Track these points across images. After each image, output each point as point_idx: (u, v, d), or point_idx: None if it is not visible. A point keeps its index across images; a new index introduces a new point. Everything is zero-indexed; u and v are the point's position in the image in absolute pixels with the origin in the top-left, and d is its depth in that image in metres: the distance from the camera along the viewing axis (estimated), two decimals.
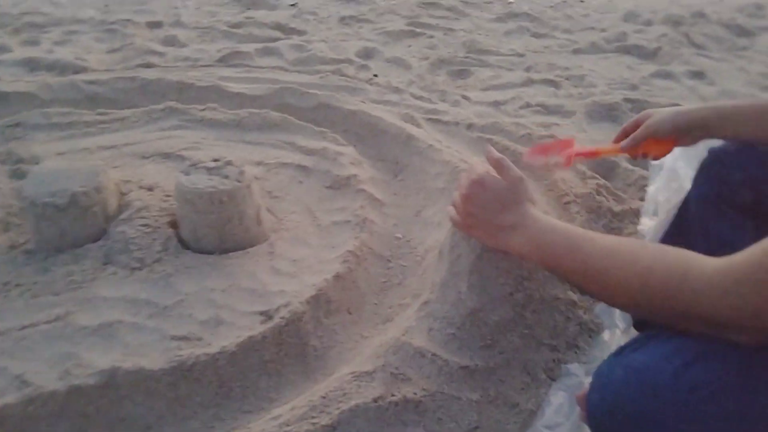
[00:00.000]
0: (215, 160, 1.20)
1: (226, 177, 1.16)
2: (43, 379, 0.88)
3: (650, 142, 1.11)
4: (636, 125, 1.10)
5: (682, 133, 1.04)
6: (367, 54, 2.32)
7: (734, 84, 1.97)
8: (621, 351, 0.72)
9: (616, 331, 0.98)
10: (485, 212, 0.89)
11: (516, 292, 0.97)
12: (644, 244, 0.76)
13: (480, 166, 0.94)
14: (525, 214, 0.85)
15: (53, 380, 0.87)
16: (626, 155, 1.26)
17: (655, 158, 1.14)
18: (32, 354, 0.93)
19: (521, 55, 2.27)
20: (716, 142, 1.36)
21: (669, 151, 1.13)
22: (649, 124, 1.06)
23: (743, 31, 2.47)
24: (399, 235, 1.30)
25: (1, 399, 0.84)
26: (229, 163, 1.19)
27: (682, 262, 0.66)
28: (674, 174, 1.28)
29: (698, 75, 2.02)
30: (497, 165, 0.91)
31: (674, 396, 0.63)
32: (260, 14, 2.87)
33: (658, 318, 0.70)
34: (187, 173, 1.16)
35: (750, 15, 2.68)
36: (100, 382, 0.87)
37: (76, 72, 2.05)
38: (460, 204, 0.93)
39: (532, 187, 0.94)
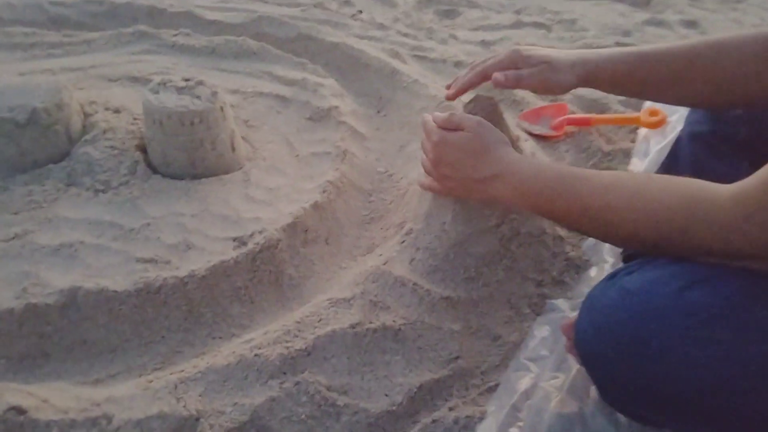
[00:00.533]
0: (186, 80, 1.12)
1: (198, 97, 1.08)
2: None
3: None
4: (510, 62, 0.89)
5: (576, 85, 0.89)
6: None
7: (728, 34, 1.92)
8: (614, 275, 0.69)
9: (605, 267, 0.94)
10: (459, 170, 0.83)
11: (501, 224, 0.93)
12: (649, 176, 0.71)
13: (432, 124, 0.87)
14: (503, 161, 0.79)
15: (9, 299, 0.82)
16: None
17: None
18: None
19: None
20: None
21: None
22: (548, 78, 0.87)
23: None
24: (381, 169, 1.24)
25: None
26: (200, 83, 1.12)
27: (693, 191, 0.62)
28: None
29: (692, 24, 1.97)
30: (449, 121, 0.85)
31: (671, 319, 0.60)
32: None
33: (667, 253, 0.66)
34: (155, 91, 1.08)
35: None
36: (60, 301, 0.81)
37: None
38: (432, 170, 0.88)
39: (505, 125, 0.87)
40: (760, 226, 0.56)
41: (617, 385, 0.66)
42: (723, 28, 2.00)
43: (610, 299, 0.65)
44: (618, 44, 1.74)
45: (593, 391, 0.75)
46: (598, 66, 0.86)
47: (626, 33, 1.88)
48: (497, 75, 0.87)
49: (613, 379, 0.66)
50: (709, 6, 2.22)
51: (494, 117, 0.91)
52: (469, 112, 0.90)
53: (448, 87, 0.96)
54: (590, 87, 0.90)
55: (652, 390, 0.62)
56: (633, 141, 1.27)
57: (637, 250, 0.81)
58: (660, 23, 1.98)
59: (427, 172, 0.91)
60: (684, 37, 1.89)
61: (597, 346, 0.66)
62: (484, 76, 0.91)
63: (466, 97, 0.93)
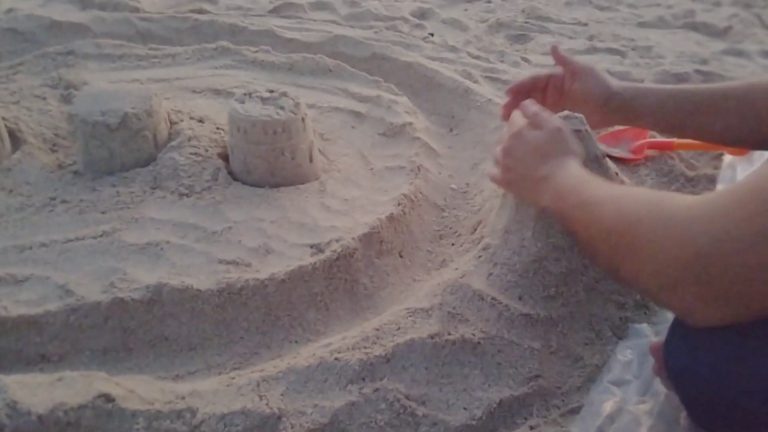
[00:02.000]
0: (270, 91, 1.15)
1: (281, 108, 1.11)
2: (86, 290, 0.85)
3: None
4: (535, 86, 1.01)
5: (613, 104, 0.95)
6: (423, 14, 2.24)
7: None
8: None
9: None
10: (523, 166, 0.83)
11: None
12: (639, 189, 0.70)
13: (521, 118, 0.88)
14: (558, 166, 0.78)
15: (97, 292, 0.84)
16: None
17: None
18: (76, 267, 0.90)
19: (584, 24, 2.17)
20: None
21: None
22: (591, 73, 0.97)
23: None
24: (454, 186, 1.24)
25: (44, 306, 0.82)
26: (284, 94, 1.14)
27: (666, 195, 0.61)
28: None
29: None
30: (534, 118, 0.85)
31: None
32: None
33: (618, 262, 0.64)
34: (241, 101, 1.11)
35: None
36: (145, 297, 0.83)
37: (129, 11, 2.01)
38: (500, 159, 0.88)
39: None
40: (708, 229, 0.54)
41: (710, 406, 0.63)
42: None
43: None
44: (696, 71, 1.70)
45: (684, 417, 0.71)
46: (640, 87, 0.94)
47: (704, 61, 1.84)
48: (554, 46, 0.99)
49: (706, 400, 0.63)
50: None
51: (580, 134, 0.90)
52: None
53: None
54: (627, 110, 0.95)
55: (748, 410, 0.59)
56: (716, 167, 1.23)
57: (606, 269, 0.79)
58: (739, 53, 1.92)
59: (495, 161, 0.90)
60: (765, 67, 1.83)
61: (690, 363, 0.63)
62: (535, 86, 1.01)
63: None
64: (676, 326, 0.67)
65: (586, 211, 0.69)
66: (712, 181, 1.17)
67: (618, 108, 0.95)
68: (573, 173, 0.76)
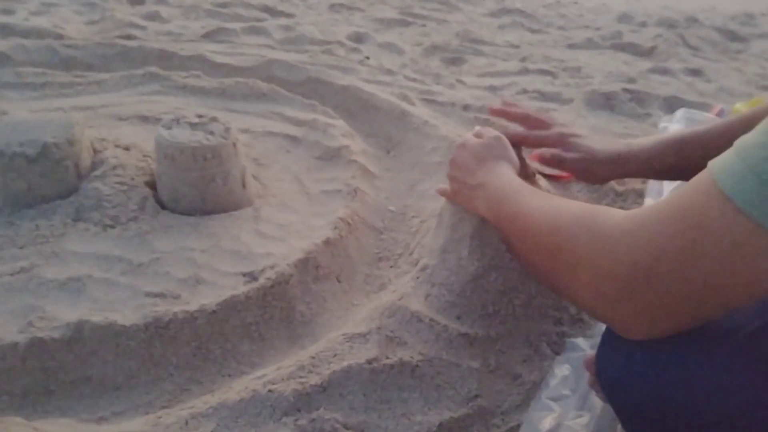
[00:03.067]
0: (199, 116, 1.12)
1: (211, 133, 1.08)
2: (2, 330, 0.79)
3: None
4: (556, 141, 0.96)
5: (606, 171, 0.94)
6: (358, 38, 2.26)
7: (731, 82, 1.95)
8: None
9: None
10: (463, 173, 0.85)
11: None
12: (570, 201, 0.71)
13: (470, 135, 0.91)
14: (491, 171, 0.81)
15: (14, 332, 0.79)
16: None
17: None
18: None
19: (516, 47, 2.23)
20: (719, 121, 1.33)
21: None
22: (588, 168, 0.93)
23: (736, 37, 2.47)
24: (392, 208, 1.23)
25: None
26: (214, 119, 1.12)
27: (596, 209, 0.62)
28: None
29: (695, 72, 2.00)
30: (477, 133, 0.89)
31: (697, 345, 0.58)
32: None
33: (555, 278, 0.65)
34: (168, 127, 1.08)
35: (742, 23, 2.68)
36: (66, 335, 0.78)
37: (53, 39, 1.95)
38: (448, 172, 0.91)
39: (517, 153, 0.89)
40: (641, 243, 0.54)
41: (642, 415, 0.64)
42: (725, 76, 2.03)
43: None
44: (624, 90, 1.76)
45: (620, 429, 0.72)
46: (638, 162, 0.90)
47: (631, 80, 1.91)
48: (543, 151, 0.94)
49: (638, 410, 0.63)
50: (710, 56, 2.26)
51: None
52: None
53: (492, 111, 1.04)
54: (627, 174, 0.94)
55: (679, 419, 0.60)
56: (644, 182, 1.26)
57: (541, 280, 0.80)
58: (664, 71, 2.01)
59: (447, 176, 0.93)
60: (689, 85, 1.91)
61: (620, 374, 0.64)
62: (529, 126, 0.99)
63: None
64: (607, 338, 0.67)
65: (520, 223, 0.70)
66: (640, 195, 1.20)
67: (622, 175, 0.95)
68: (505, 180, 0.78)
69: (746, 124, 0.87)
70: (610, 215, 0.59)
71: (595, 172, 0.93)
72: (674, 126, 1.35)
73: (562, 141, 0.94)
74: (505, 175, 0.80)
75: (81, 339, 0.79)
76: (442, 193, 0.95)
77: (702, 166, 0.81)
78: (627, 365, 0.63)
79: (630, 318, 0.57)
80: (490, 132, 0.88)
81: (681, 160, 0.89)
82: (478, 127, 0.92)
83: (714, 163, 0.53)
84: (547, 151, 0.94)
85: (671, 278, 0.53)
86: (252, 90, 1.55)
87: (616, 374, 0.64)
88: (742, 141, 0.52)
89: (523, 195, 0.73)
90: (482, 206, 0.81)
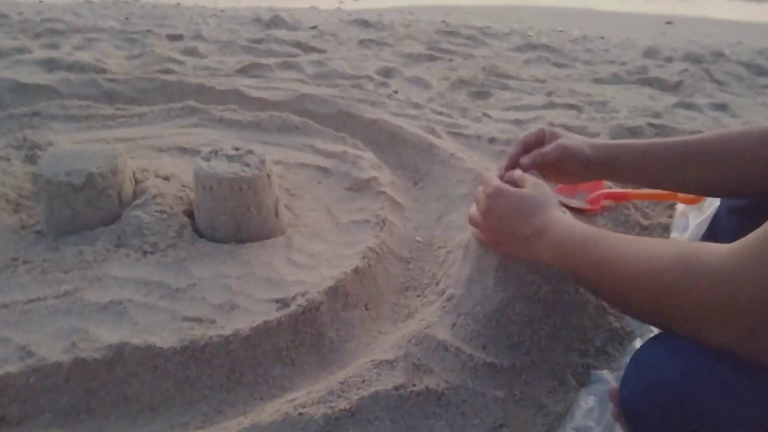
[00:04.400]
0: (236, 149, 1.17)
1: (247, 165, 1.13)
2: (47, 350, 0.83)
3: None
4: (537, 140, 1.00)
5: (592, 166, 0.96)
6: (387, 73, 2.32)
7: (757, 116, 1.96)
8: (662, 334, 0.68)
9: (650, 337, 0.93)
10: (508, 224, 0.85)
11: (544, 291, 0.93)
12: (660, 239, 0.72)
13: (494, 177, 0.92)
14: (548, 219, 0.81)
15: (58, 352, 0.83)
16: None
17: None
18: (38, 327, 0.89)
19: (542, 81, 2.26)
20: None
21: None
22: (566, 146, 0.95)
23: (763, 71, 2.47)
24: (419, 239, 1.26)
25: (3, 367, 0.80)
26: (250, 152, 1.17)
27: (693, 247, 0.62)
28: None
29: (721, 107, 2.01)
30: (508, 178, 0.90)
31: (722, 376, 0.59)
32: (281, 33, 2.90)
33: (669, 320, 0.65)
34: (207, 159, 1.13)
35: None
36: (107, 356, 0.82)
37: (96, 73, 2.04)
38: (481, 221, 0.90)
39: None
40: (755, 272, 0.54)
41: None
42: (752, 110, 2.04)
43: (658, 358, 0.64)
44: (650, 125, 1.78)
45: None
46: (617, 146, 0.95)
47: (657, 115, 1.92)
48: (523, 160, 0.96)
49: None
50: (736, 91, 2.27)
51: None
52: None
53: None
54: (606, 169, 0.96)
55: None
56: (670, 216, 1.28)
57: (643, 321, 0.82)
58: (689, 106, 2.02)
59: (473, 224, 0.93)
60: (715, 120, 1.92)
61: (644, 406, 0.64)
62: (523, 147, 1.00)
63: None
64: (631, 370, 0.68)
65: (610, 269, 0.69)
66: (666, 229, 1.21)
67: (597, 169, 0.97)
68: (567, 226, 0.78)
69: (720, 137, 0.91)
70: (711, 250, 0.59)
71: (574, 147, 0.94)
72: None
73: (542, 135, 0.98)
74: (564, 220, 0.80)
75: (121, 360, 0.83)
76: (478, 238, 0.94)
77: (676, 167, 0.83)
78: (650, 397, 0.64)
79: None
80: (528, 178, 0.88)
81: (662, 158, 0.93)
82: (511, 177, 0.91)
83: None
84: (525, 158, 0.95)
85: None
86: (285, 123, 1.61)
87: (639, 406, 0.65)
88: None
89: (602, 240, 0.73)
90: (544, 253, 0.80)
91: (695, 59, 2.57)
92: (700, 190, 0.97)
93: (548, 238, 0.80)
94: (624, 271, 0.67)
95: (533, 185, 0.87)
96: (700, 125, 1.84)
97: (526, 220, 0.83)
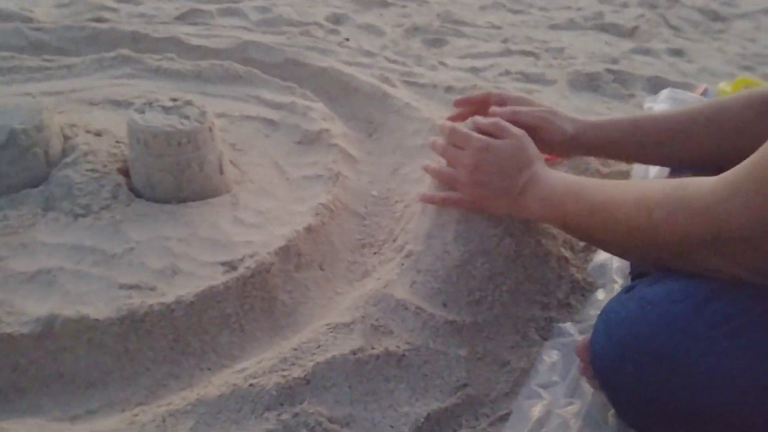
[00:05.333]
0: (173, 100, 1.08)
1: (186, 117, 1.04)
2: None
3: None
4: (483, 103, 0.99)
5: (572, 143, 0.92)
6: (337, 19, 2.20)
7: (713, 62, 1.94)
8: (631, 288, 0.66)
9: (614, 287, 0.90)
10: (500, 179, 0.82)
11: (506, 244, 0.89)
12: (650, 180, 0.71)
13: (463, 128, 0.87)
14: (535, 173, 0.80)
15: None
16: None
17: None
18: None
19: (498, 28, 2.19)
20: (704, 101, 1.32)
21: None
22: (555, 114, 0.92)
23: (718, 17, 2.46)
24: (375, 193, 1.20)
25: None
26: (189, 102, 1.07)
27: (679, 182, 0.62)
28: None
29: (677, 53, 1.98)
30: (496, 129, 0.85)
31: (694, 330, 0.57)
32: None
33: (664, 256, 0.64)
34: (141, 111, 1.04)
35: (723, 3, 2.67)
36: (35, 331, 0.75)
37: (21, 22, 1.87)
38: (464, 176, 0.85)
39: None
40: (743, 202, 0.54)
41: (637, 402, 0.63)
42: (708, 56, 2.02)
43: (629, 311, 0.62)
44: (607, 71, 1.75)
45: (612, 416, 0.70)
46: (600, 123, 0.91)
47: (614, 61, 1.89)
48: (494, 109, 0.92)
49: (633, 397, 0.63)
50: (692, 36, 2.24)
51: None
52: None
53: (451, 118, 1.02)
54: (588, 146, 0.92)
55: (675, 405, 0.59)
56: (629, 165, 1.25)
57: (639, 261, 0.80)
58: (647, 52, 1.99)
59: (447, 181, 0.90)
60: (672, 65, 1.90)
61: (616, 361, 0.63)
62: (484, 102, 0.99)
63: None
64: (601, 326, 0.66)
65: (604, 214, 0.69)
66: (626, 176, 1.18)
67: (581, 147, 0.93)
68: (557, 177, 0.78)
69: (711, 105, 0.87)
70: (699, 183, 0.58)
71: (558, 123, 0.90)
72: (659, 106, 1.33)
73: (521, 100, 0.96)
74: (552, 173, 0.80)
75: (52, 334, 0.76)
76: (453, 200, 0.89)
77: (665, 141, 0.88)
78: (622, 352, 0.62)
79: (745, 264, 0.56)
80: (516, 129, 0.84)
81: (648, 132, 0.89)
82: (480, 124, 0.86)
83: None
84: (498, 109, 0.92)
85: None
86: (228, 72, 1.50)
87: (610, 361, 0.63)
88: None
89: (591, 186, 0.73)
90: (536, 207, 0.79)
91: (651, 4, 2.53)
92: (692, 165, 0.91)
93: (538, 189, 0.79)
94: (616, 214, 0.67)
95: (523, 135, 0.83)
96: (657, 71, 1.81)
97: (519, 173, 0.80)
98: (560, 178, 0.78)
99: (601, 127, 0.91)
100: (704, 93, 1.45)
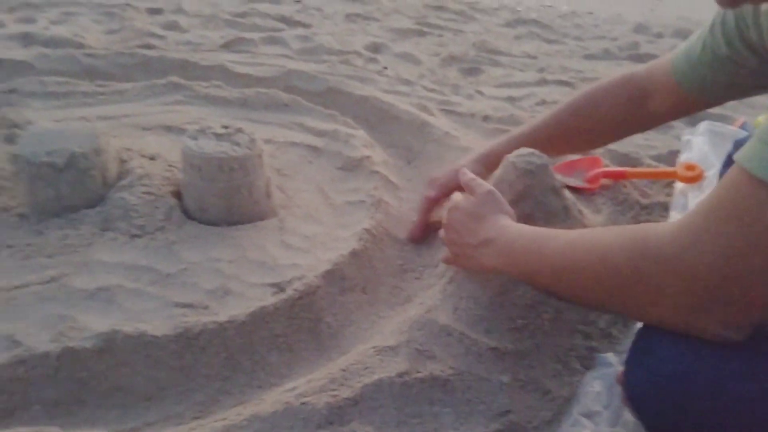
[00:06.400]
0: (225, 127, 1.12)
1: (237, 144, 1.09)
2: (35, 340, 0.80)
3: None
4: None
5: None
6: (375, 48, 2.26)
7: None
8: None
9: None
10: (463, 235, 0.85)
11: None
12: (604, 228, 0.72)
13: (458, 195, 0.91)
14: (496, 226, 0.80)
15: (46, 342, 0.79)
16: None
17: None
18: (23, 315, 0.85)
19: (533, 57, 2.23)
20: (742, 133, 1.33)
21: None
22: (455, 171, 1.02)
23: None
24: (415, 219, 1.23)
25: None
26: (239, 130, 1.12)
27: (640, 232, 0.62)
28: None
29: None
30: (467, 185, 0.88)
31: (729, 360, 0.58)
32: (263, 6, 2.81)
33: (630, 310, 0.67)
34: (194, 138, 1.09)
35: None
36: (97, 345, 0.79)
37: (74, 48, 1.96)
38: (444, 237, 0.90)
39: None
40: (708, 248, 0.55)
41: (671, 429, 0.64)
42: None
43: (663, 345, 0.64)
44: None
45: None
46: (499, 148, 1.07)
47: None
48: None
49: (665, 423, 0.64)
50: None
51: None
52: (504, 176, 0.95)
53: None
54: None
55: (710, 428, 0.60)
56: (668, 195, 1.26)
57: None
58: None
59: (443, 242, 0.93)
60: None
61: (650, 395, 0.64)
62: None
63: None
64: (633, 354, 0.67)
65: (558, 267, 0.69)
66: (665, 208, 1.19)
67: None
68: (515, 231, 0.78)
69: (588, 99, 1.06)
70: (658, 233, 0.60)
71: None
72: (697, 138, 1.34)
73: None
74: (512, 227, 0.79)
75: (112, 349, 0.79)
76: (443, 259, 0.95)
77: (558, 142, 1.11)
78: (656, 386, 0.63)
79: (726, 321, 0.57)
80: (482, 186, 0.87)
81: (542, 142, 1.05)
82: (463, 177, 0.91)
83: (740, 156, 0.54)
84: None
85: (748, 272, 0.54)
86: (273, 100, 1.56)
87: (643, 389, 0.65)
88: (761, 130, 0.53)
89: (546, 239, 0.73)
90: (494, 262, 0.79)
91: (685, 35, 2.54)
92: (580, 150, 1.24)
93: (497, 245, 0.79)
94: (572, 266, 0.68)
95: (486, 193, 0.85)
96: None
97: (477, 228, 0.82)
98: (519, 234, 0.77)
99: (507, 143, 1.09)
100: (742, 126, 1.46)
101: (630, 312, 0.67)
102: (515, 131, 1.14)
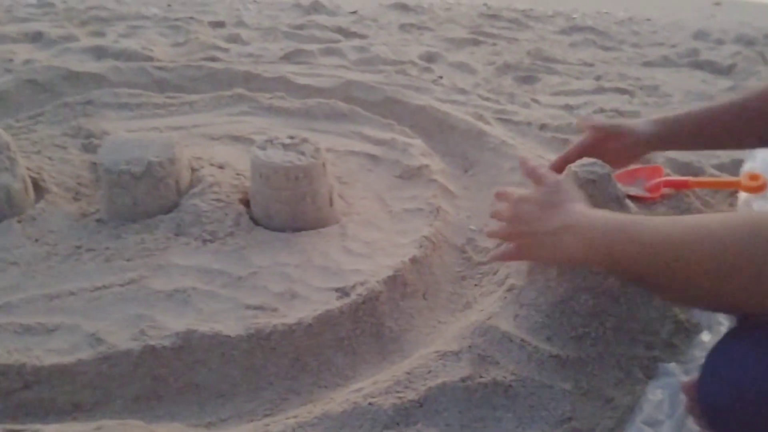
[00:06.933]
0: (291, 137, 1.17)
1: (302, 153, 1.13)
2: (117, 338, 0.85)
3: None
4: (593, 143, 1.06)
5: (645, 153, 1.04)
6: (430, 58, 2.29)
7: None
8: (740, 329, 0.66)
9: (720, 329, 0.91)
10: (533, 225, 0.82)
11: (609, 282, 0.91)
12: (709, 214, 0.67)
13: (509, 189, 0.91)
14: (574, 212, 0.77)
15: (127, 340, 0.85)
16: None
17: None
18: (105, 314, 0.91)
19: (590, 65, 2.21)
20: None
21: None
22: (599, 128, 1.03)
23: None
24: (473, 227, 1.25)
25: (75, 354, 0.82)
26: (305, 140, 1.17)
27: (753, 216, 0.59)
28: None
29: None
30: (532, 174, 0.88)
31: None
32: (321, 18, 2.89)
33: (740, 299, 0.61)
34: (263, 148, 1.13)
35: None
36: (176, 344, 0.83)
37: (143, 61, 2.06)
38: (508, 230, 0.87)
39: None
40: None
41: None
42: None
43: (739, 353, 0.63)
44: None
45: None
46: (676, 117, 1.01)
47: (711, 98, 1.87)
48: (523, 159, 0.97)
49: None
50: None
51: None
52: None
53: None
54: (669, 141, 1.02)
55: None
56: (732, 205, 1.24)
57: (706, 306, 0.78)
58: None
59: (501, 236, 0.90)
60: None
61: (728, 402, 0.63)
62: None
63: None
64: (711, 364, 0.66)
65: (666, 256, 0.65)
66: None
67: (661, 142, 1.02)
68: (601, 217, 0.75)
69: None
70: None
71: (633, 125, 1.01)
72: (758, 165, 1.31)
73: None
74: (593, 212, 0.76)
75: (189, 348, 0.84)
76: (504, 255, 0.90)
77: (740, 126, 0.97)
78: (732, 392, 0.62)
79: None
80: (549, 176, 0.86)
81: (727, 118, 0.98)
82: (524, 165, 0.90)
83: None
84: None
85: None
86: (333, 110, 1.60)
87: (720, 401, 0.64)
88: None
89: (640, 224, 0.68)
90: (576, 248, 0.75)
91: (748, 41, 2.48)
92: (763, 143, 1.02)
93: (577, 230, 0.75)
94: (680, 255, 0.63)
95: (555, 182, 0.84)
96: None
97: (551, 215, 0.79)
98: (603, 218, 0.74)
99: (672, 126, 1.01)
100: None
101: (726, 302, 0.62)
102: (696, 107, 1.03)
